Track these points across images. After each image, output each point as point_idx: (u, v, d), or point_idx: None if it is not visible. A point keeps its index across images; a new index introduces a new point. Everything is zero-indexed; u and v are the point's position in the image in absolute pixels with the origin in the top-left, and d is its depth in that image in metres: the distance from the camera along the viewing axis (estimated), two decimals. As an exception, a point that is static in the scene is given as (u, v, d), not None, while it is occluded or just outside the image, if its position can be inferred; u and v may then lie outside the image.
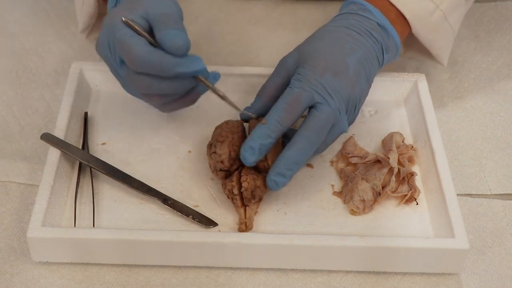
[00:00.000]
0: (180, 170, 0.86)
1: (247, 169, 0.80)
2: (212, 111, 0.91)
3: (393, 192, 0.83)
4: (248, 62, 1.03)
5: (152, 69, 0.76)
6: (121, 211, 0.82)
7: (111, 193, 0.84)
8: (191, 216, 0.81)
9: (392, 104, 0.96)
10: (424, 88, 0.93)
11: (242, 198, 0.80)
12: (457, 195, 0.82)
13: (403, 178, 0.84)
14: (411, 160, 0.88)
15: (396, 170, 0.84)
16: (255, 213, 0.81)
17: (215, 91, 0.80)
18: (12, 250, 0.80)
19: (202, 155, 0.87)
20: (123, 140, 0.89)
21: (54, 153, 0.83)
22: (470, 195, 0.88)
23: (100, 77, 0.94)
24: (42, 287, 0.77)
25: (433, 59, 0.95)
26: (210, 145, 0.83)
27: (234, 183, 0.80)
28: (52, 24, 1.07)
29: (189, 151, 0.88)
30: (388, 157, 0.84)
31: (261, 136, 0.78)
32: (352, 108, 0.82)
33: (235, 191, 0.80)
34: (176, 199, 0.82)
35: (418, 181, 0.86)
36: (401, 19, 0.88)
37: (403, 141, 0.89)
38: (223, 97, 0.80)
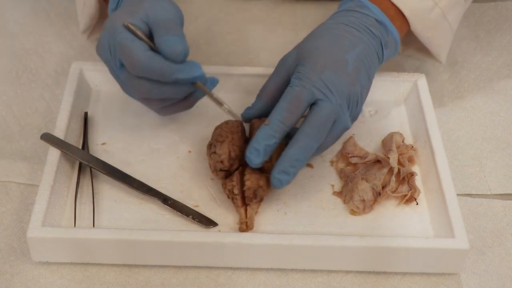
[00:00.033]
0: (180, 170, 0.86)
1: (251, 168, 0.80)
2: (212, 111, 0.91)
3: (393, 192, 0.83)
4: (248, 62, 1.03)
5: (152, 74, 0.77)
6: (121, 211, 0.82)
7: (111, 193, 0.84)
8: (191, 216, 0.81)
9: (392, 104, 0.96)
10: (424, 88, 0.93)
11: (243, 198, 0.80)
12: (457, 195, 0.82)
13: (403, 178, 0.84)
14: (411, 160, 0.88)
15: (396, 170, 0.84)
16: (256, 213, 0.81)
17: (212, 97, 0.81)
18: (12, 250, 0.80)
19: (202, 155, 0.88)
20: (123, 140, 0.89)
21: (54, 153, 0.83)
22: (470, 195, 0.88)
23: (100, 77, 0.94)
24: (42, 287, 0.77)
25: (432, 57, 0.95)
26: (210, 145, 0.83)
27: (234, 183, 0.80)
28: (52, 24, 1.08)
29: (189, 151, 0.88)
30: (388, 157, 0.84)
31: (265, 137, 0.78)
32: (353, 104, 0.82)
33: (236, 191, 0.80)
34: (176, 199, 0.82)
35: (418, 181, 0.86)
36: (400, 16, 0.88)
37: (403, 141, 0.89)
38: (220, 104, 0.82)
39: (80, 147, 0.88)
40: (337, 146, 0.89)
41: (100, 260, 0.78)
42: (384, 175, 0.84)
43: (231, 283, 0.78)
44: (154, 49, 0.77)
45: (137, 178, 0.84)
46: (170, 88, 0.79)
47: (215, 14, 1.10)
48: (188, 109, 0.85)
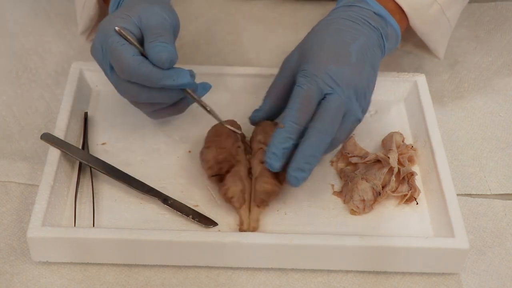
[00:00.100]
0: (180, 170, 0.86)
1: (267, 170, 0.80)
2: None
3: (393, 192, 0.83)
4: (248, 62, 1.03)
5: (139, 79, 0.78)
6: (121, 211, 0.82)
7: (111, 193, 0.84)
8: (191, 216, 0.81)
9: (392, 104, 0.96)
10: (424, 88, 0.93)
11: (241, 198, 0.80)
12: (457, 195, 0.82)
13: (403, 178, 0.84)
14: (411, 160, 0.88)
15: (396, 170, 0.84)
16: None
17: (201, 104, 0.82)
18: (12, 250, 0.80)
19: (202, 155, 0.88)
20: (123, 140, 0.89)
21: (54, 153, 0.83)
22: (470, 195, 0.88)
23: (100, 77, 0.93)
24: (42, 287, 0.77)
25: (430, 53, 0.96)
26: (200, 153, 0.84)
27: (227, 187, 0.80)
28: (52, 24, 1.08)
29: (189, 151, 0.88)
30: (388, 157, 0.84)
31: (282, 141, 0.78)
32: (361, 96, 0.83)
33: (230, 194, 0.80)
34: (176, 199, 0.82)
35: (418, 181, 0.86)
36: (399, 11, 0.89)
37: (403, 141, 0.89)
38: (209, 111, 0.82)
39: (80, 147, 0.88)
40: (337, 146, 0.89)
41: (100, 260, 0.78)
42: (384, 175, 0.84)
43: (231, 283, 0.78)
44: (144, 54, 0.78)
45: (137, 178, 0.84)
46: (158, 93, 0.80)
47: (215, 14, 1.10)
48: (180, 113, 0.86)
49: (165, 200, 0.82)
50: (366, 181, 0.83)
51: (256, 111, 0.87)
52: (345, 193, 0.84)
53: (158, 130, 0.91)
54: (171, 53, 0.77)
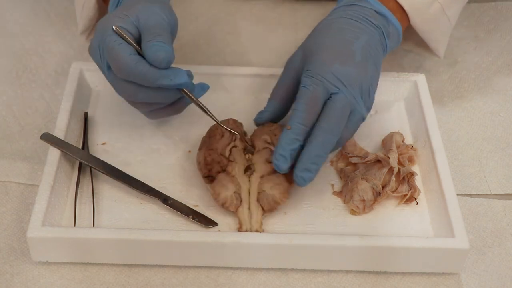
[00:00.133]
0: (180, 170, 0.86)
1: (275, 173, 0.81)
2: (212, 111, 0.90)
3: (393, 192, 0.83)
4: (248, 62, 1.03)
5: (136, 78, 0.78)
6: (121, 211, 0.82)
7: (111, 193, 0.84)
8: (191, 216, 0.81)
9: (392, 104, 0.96)
10: (424, 88, 0.93)
11: (238, 199, 0.80)
12: (457, 195, 0.82)
13: (403, 178, 0.84)
14: (411, 160, 0.88)
15: (396, 170, 0.84)
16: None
17: (198, 105, 0.82)
18: (12, 250, 0.80)
19: (202, 155, 0.88)
20: (123, 140, 0.89)
21: (54, 153, 0.83)
22: (470, 195, 0.88)
23: (100, 77, 0.93)
24: (42, 287, 0.77)
25: (430, 52, 0.96)
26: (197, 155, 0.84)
27: (217, 192, 0.80)
28: (52, 24, 1.08)
29: (189, 151, 0.88)
30: (388, 157, 0.84)
31: (289, 142, 0.79)
32: (366, 94, 0.83)
33: (221, 201, 0.80)
34: (176, 199, 0.82)
35: (418, 181, 0.86)
36: (399, 10, 0.89)
37: (403, 141, 0.89)
38: (205, 111, 0.82)
39: (80, 147, 0.88)
40: (337, 146, 0.89)
41: (100, 260, 0.78)
42: (384, 175, 0.84)
43: (231, 283, 0.78)
44: (141, 54, 0.78)
45: (137, 178, 0.84)
46: (156, 93, 0.80)
47: (215, 14, 1.10)
48: (177, 114, 0.86)
49: (165, 200, 0.82)
50: (366, 181, 0.83)
51: (260, 112, 0.87)
52: (345, 193, 0.84)
53: (158, 130, 0.91)
54: (168, 52, 0.77)
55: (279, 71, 0.89)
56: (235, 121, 0.86)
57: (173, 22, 0.82)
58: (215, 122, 0.84)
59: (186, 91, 0.81)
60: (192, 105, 0.84)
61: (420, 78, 0.94)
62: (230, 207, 0.80)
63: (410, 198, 0.84)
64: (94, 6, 0.92)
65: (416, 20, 0.90)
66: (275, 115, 0.86)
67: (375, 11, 0.86)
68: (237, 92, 0.95)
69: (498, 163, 0.91)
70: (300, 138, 0.79)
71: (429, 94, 0.92)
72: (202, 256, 0.77)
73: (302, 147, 0.79)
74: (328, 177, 0.87)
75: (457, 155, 0.92)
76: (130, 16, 0.80)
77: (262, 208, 0.80)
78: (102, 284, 0.77)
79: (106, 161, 0.85)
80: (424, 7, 0.89)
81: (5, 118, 0.94)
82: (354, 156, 0.87)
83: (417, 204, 0.84)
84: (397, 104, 0.96)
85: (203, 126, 0.89)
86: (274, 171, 0.81)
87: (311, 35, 0.87)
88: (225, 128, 0.83)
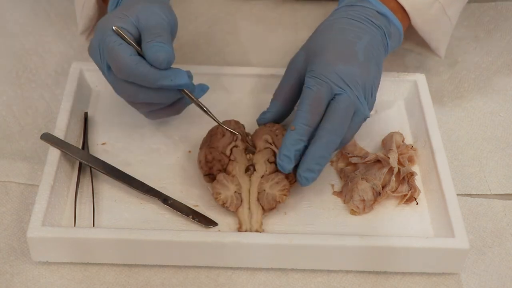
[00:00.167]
0: (180, 170, 0.86)
1: (280, 173, 0.81)
2: (212, 111, 0.90)
3: (393, 192, 0.83)
4: (248, 62, 1.03)
5: (136, 78, 0.78)
6: (121, 211, 0.82)
7: (111, 193, 0.84)
8: (191, 216, 0.81)
9: (392, 104, 0.96)
10: (424, 88, 0.93)
11: (238, 199, 0.80)
12: (457, 195, 0.82)
13: (403, 178, 0.84)
14: (411, 160, 0.88)
15: (396, 170, 0.84)
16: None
17: (198, 105, 0.82)
18: (12, 250, 0.80)
19: (202, 155, 0.88)
20: (123, 140, 0.89)
21: (54, 153, 0.83)
22: (470, 195, 0.88)
23: (100, 77, 0.93)
24: (42, 287, 0.77)
25: (431, 52, 0.96)
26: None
27: (217, 192, 0.80)
28: (52, 24, 1.07)
29: (189, 151, 0.88)
30: (388, 157, 0.84)
31: (294, 143, 0.79)
32: (368, 94, 0.83)
33: (221, 201, 0.80)
34: (176, 199, 0.82)
35: (418, 181, 0.86)
36: (400, 10, 0.89)
37: (403, 141, 0.89)
38: (206, 112, 0.82)
39: (80, 147, 0.88)
40: (337, 146, 0.89)
41: (100, 260, 0.78)
42: (384, 175, 0.84)
43: (231, 283, 0.78)
44: (141, 54, 0.78)
45: (137, 178, 0.84)
46: (156, 94, 0.80)
47: (215, 14, 1.10)
48: (177, 114, 0.86)
49: (165, 200, 0.82)
50: (366, 181, 0.83)
51: (263, 113, 0.87)
52: (345, 193, 0.84)
53: (158, 130, 0.91)
54: (169, 53, 0.77)
55: (279, 71, 0.89)
56: (236, 122, 0.86)
57: (173, 22, 0.82)
58: (216, 123, 0.84)
59: (187, 92, 0.81)
60: (192, 105, 0.84)
61: (420, 78, 0.94)
62: (231, 207, 0.80)
63: (410, 198, 0.84)
64: (94, 6, 0.92)
65: (417, 20, 0.90)
66: (278, 116, 0.86)
67: (377, 12, 0.86)
68: (237, 92, 0.95)
69: (498, 163, 0.91)
70: (304, 138, 0.79)
71: (429, 94, 0.92)
72: (202, 256, 0.77)
73: (306, 147, 0.79)
74: (328, 177, 0.87)
75: (457, 155, 0.92)
76: (130, 16, 0.79)
77: (262, 208, 0.80)
78: (102, 284, 0.77)
79: (106, 161, 0.85)
80: (425, 7, 0.89)
81: (5, 118, 0.94)
82: (354, 156, 0.87)
83: (417, 204, 0.84)
84: (397, 104, 0.96)
85: (203, 126, 0.89)
86: (275, 171, 0.81)
87: (313, 36, 0.87)
88: (226, 129, 0.83)
